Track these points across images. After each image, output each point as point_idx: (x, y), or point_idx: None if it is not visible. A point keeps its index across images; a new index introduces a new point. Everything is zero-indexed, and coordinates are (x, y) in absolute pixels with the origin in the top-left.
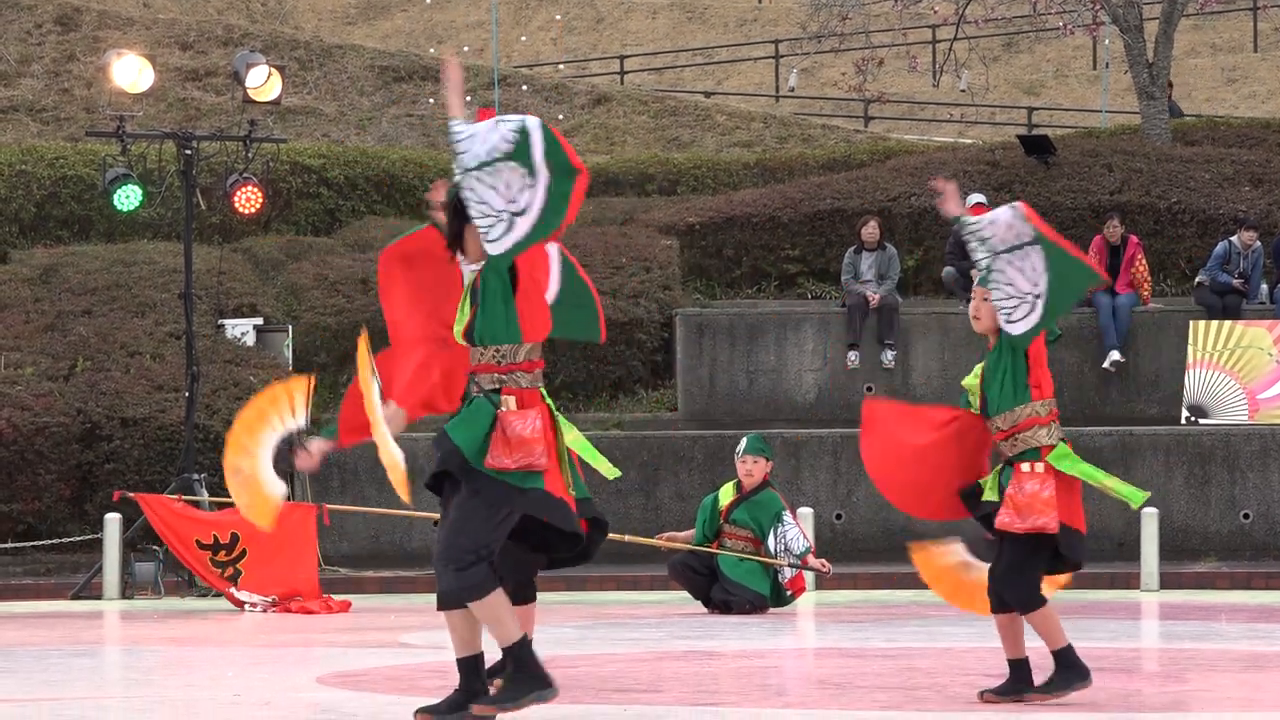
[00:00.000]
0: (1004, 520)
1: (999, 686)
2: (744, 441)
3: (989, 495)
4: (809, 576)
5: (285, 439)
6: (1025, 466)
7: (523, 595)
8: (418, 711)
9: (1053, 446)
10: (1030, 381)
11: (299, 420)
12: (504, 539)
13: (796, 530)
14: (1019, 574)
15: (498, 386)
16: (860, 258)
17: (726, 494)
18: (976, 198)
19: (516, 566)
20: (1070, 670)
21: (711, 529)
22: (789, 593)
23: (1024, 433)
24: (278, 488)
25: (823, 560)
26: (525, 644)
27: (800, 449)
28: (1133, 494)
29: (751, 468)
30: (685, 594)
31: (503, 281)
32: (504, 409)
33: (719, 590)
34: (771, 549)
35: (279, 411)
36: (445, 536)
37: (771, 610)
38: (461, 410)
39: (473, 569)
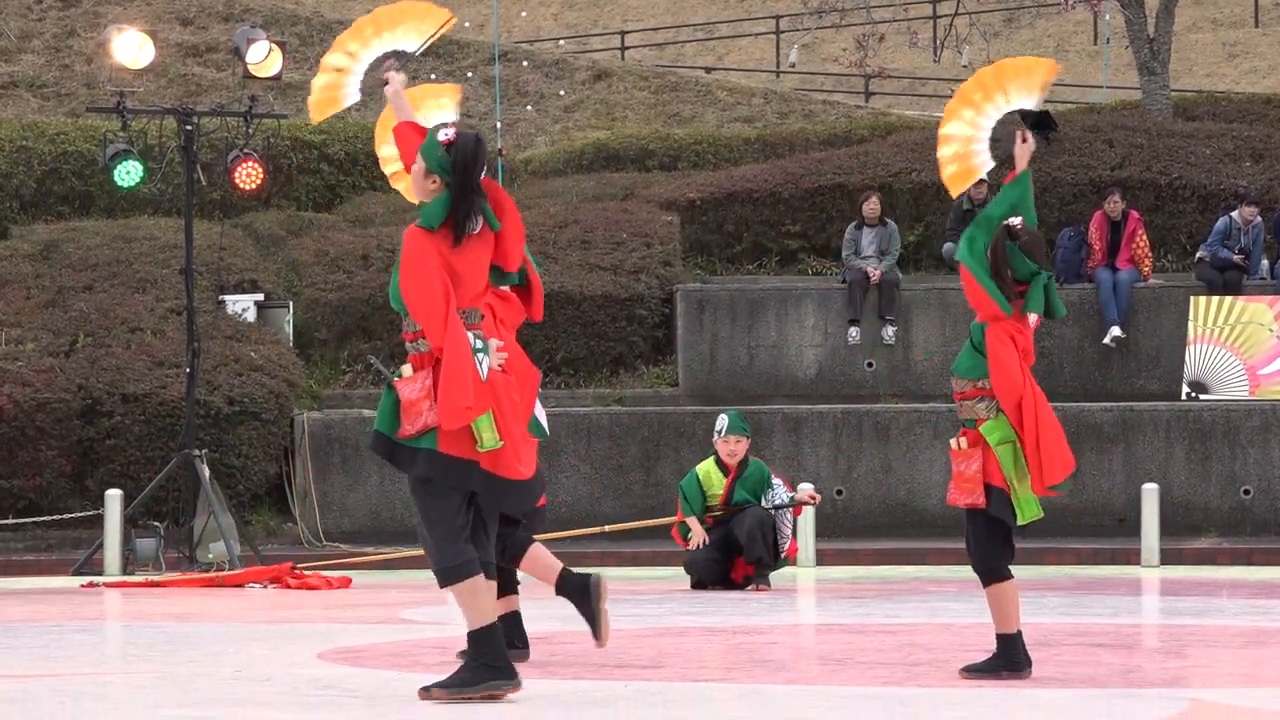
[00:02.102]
0: (950, 495)
1: (979, 663)
2: (724, 420)
3: None
4: (807, 553)
5: (389, 54)
6: (953, 444)
7: (507, 586)
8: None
9: (986, 420)
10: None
11: (411, 45)
12: (458, 509)
13: (783, 488)
14: (975, 544)
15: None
16: (861, 233)
17: (714, 477)
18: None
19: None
20: (1008, 660)
21: (701, 508)
22: (786, 557)
23: (968, 401)
24: (350, 97)
25: (809, 493)
26: (494, 631)
27: (801, 425)
28: (1027, 508)
29: (735, 447)
30: (684, 571)
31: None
32: (398, 378)
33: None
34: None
35: (407, 26)
36: (419, 526)
37: (771, 587)
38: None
39: (444, 552)
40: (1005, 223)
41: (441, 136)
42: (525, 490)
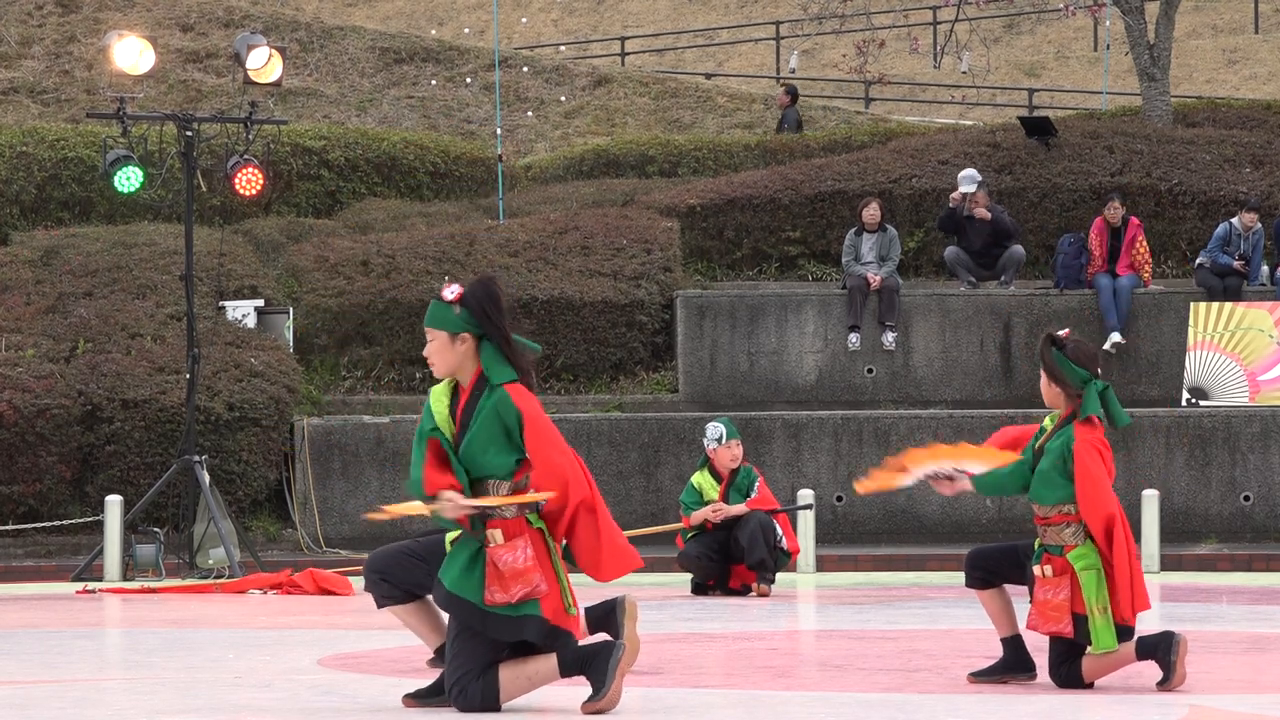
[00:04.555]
0: (1030, 621)
1: (987, 667)
2: (720, 427)
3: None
4: (807, 559)
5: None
6: (1038, 571)
7: None
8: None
9: (1074, 546)
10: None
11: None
12: (496, 651)
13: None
14: (1055, 666)
15: (482, 520)
16: (861, 239)
17: (710, 485)
18: (970, 174)
19: None
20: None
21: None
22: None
23: (1053, 527)
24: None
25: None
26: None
27: (801, 431)
28: (1104, 636)
29: (736, 452)
30: (686, 576)
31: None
32: (491, 544)
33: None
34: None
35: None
36: (448, 668)
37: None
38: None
39: (470, 689)
40: (1049, 333)
41: (448, 296)
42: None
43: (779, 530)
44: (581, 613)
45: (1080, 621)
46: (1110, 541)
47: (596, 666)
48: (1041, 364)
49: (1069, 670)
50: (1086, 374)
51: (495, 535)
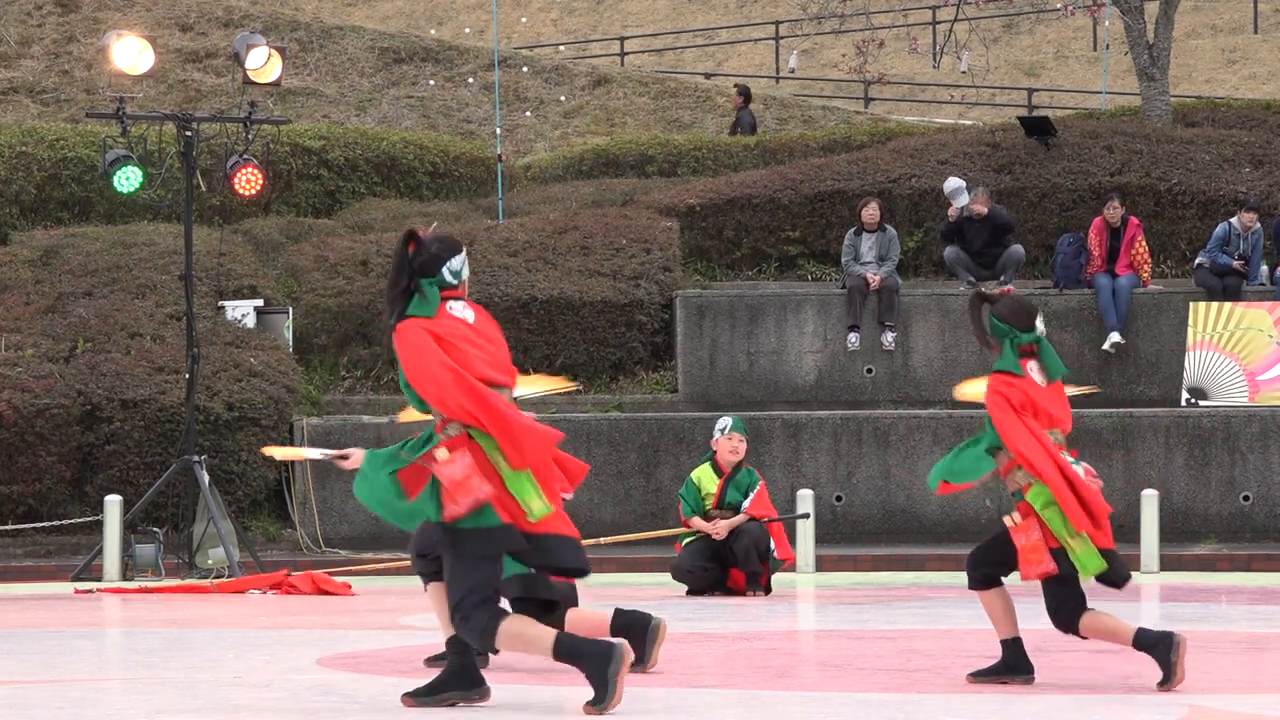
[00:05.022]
0: (1023, 573)
1: (986, 668)
2: (728, 420)
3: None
4: (806, 560)
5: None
6: (1008, 520)
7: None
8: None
9: (1029, 486)
10: None
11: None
12: (493, 574)
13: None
14: (1054, 608)
15: (435, 442)
16: (860, 239)
17: (709, 479)
18: (956, 184)
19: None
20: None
21: (701, 509)
22: (780, 560)
23: (1012, 474)
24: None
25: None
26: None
27: (800, 430)
28: (1089, 561)
29: (738, 445)
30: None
31: None
32: (436, 461)
33: (740, 557)
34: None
35: None
36: (449, 592)
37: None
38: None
39: (474, 616)
40: (978, 290)
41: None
42: (570, 544)
43: (772, 542)
44: (561, 530)
45: (1060, 554)
46: (1041, 475)
47: (596, 669)
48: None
49: (1070, 613)
50: (1006, 328)
51: (439, 453)
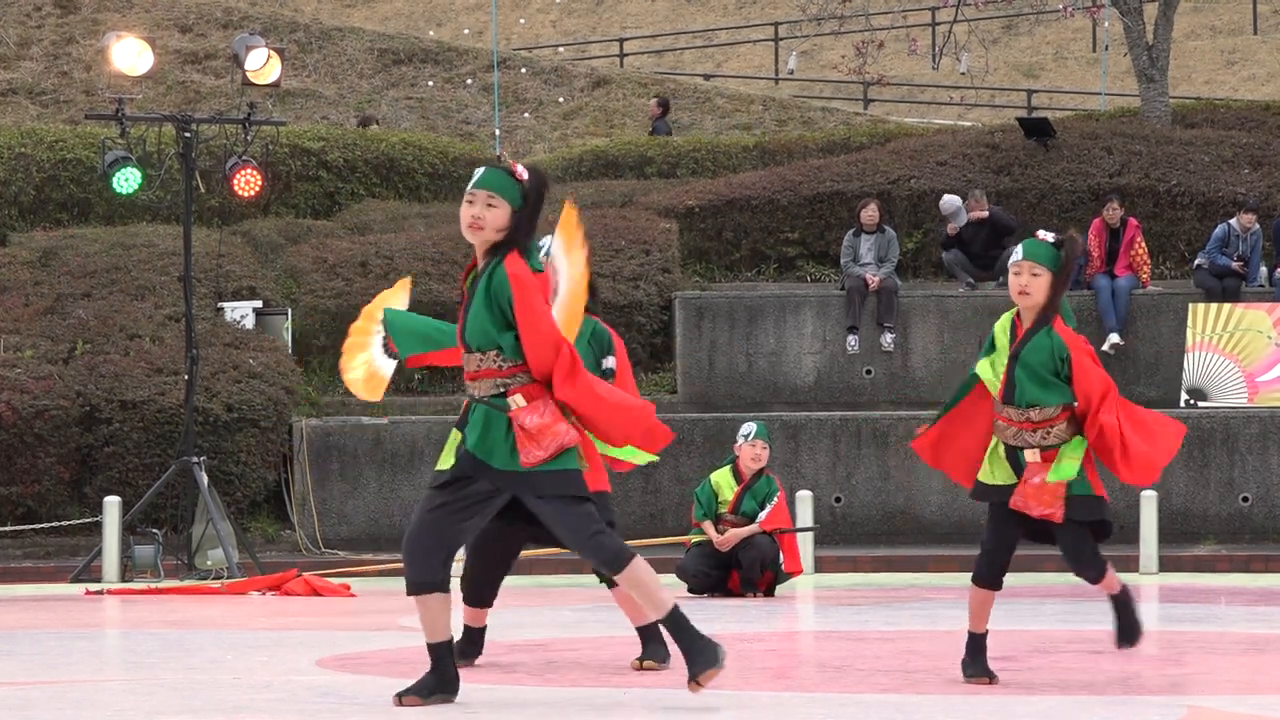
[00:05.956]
0: (1016, 500)
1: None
2: (753, 426)
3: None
4: (806, 561)
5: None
6: (1030, 456)
7: (486, 598)
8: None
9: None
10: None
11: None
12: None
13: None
14: (1074, 557)
15: (502, 391)
16: (859, 240)
17: (728, 484)
18: (952, 201)
19: (489, 565)
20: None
21: (713, 514)
22: (788, 573)
23: (1054, 427)
24: (387, 367)
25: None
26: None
27: (799, 432)
28: (1064, 471)
29: (760, 452)
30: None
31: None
32: (513, 409)
33: (745, 566)
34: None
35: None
36: (573, 537)
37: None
38: (475, 427)
39: (605, 540)
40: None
41: (522, 173)
42: (606, 499)
43: (781, 555)
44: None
45: (1075, 503)
46: (1109, 413)
47: (699, 653)
48: (1062, 263)
49: (1090, 552)
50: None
51: (516, 400)
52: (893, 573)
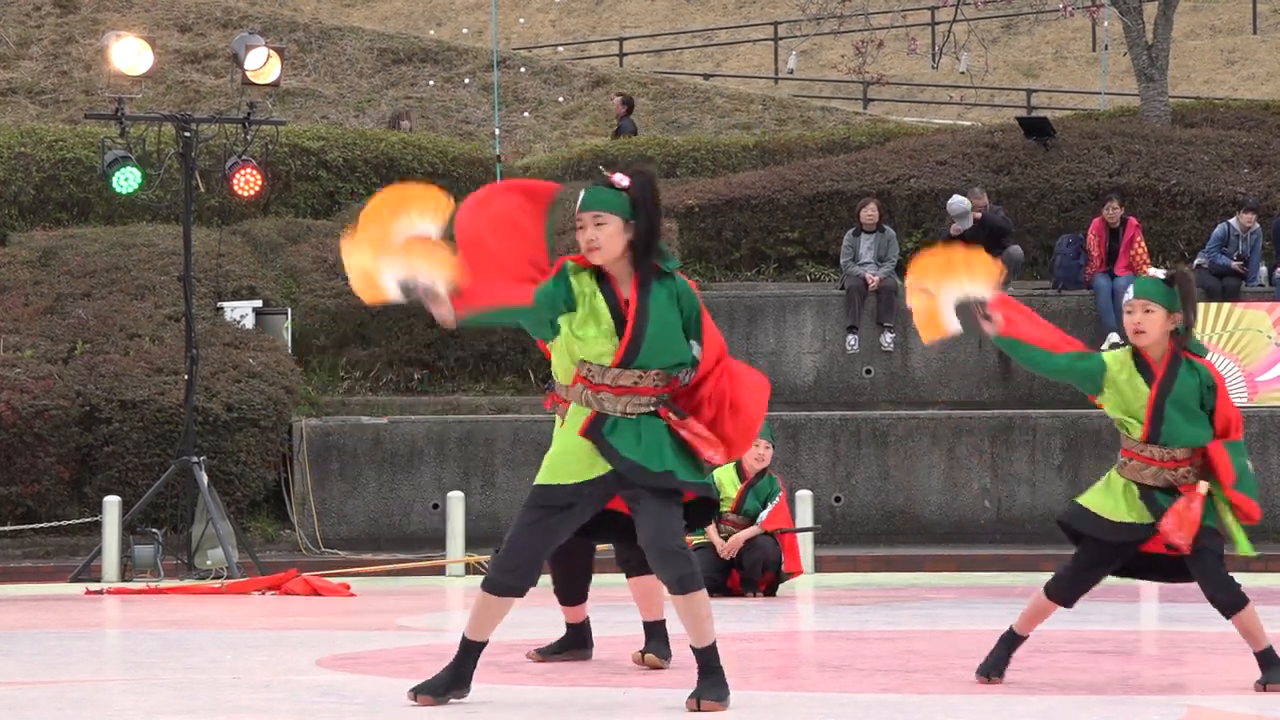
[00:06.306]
0: (1166, 525)
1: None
2: None
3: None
4: (806, 561)
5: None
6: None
7: (582, 591)
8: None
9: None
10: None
11: (432, 228)
12: None
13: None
14: (1212, 583)
15: (658, 402)
16: (859, 240)
17: (731, 481)
18: (959, 202)
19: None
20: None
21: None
22: (788, 573)
23: (1195, 463)
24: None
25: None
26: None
27: (799, 431)
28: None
29: (763, 452)
30: None
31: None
32: (679, 418)
33: (747, 567)
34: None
35: (417, 209)
36: (660, 538)
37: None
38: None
39: (690, 555)
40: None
41: (621, 183)
42: None
43: (781, 558)
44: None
45: (1207, 533)
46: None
47: (715, 685)
48: (1188, 293)
49: (1228, 581)
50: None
51: (677, 409)
52: (892, 572)
